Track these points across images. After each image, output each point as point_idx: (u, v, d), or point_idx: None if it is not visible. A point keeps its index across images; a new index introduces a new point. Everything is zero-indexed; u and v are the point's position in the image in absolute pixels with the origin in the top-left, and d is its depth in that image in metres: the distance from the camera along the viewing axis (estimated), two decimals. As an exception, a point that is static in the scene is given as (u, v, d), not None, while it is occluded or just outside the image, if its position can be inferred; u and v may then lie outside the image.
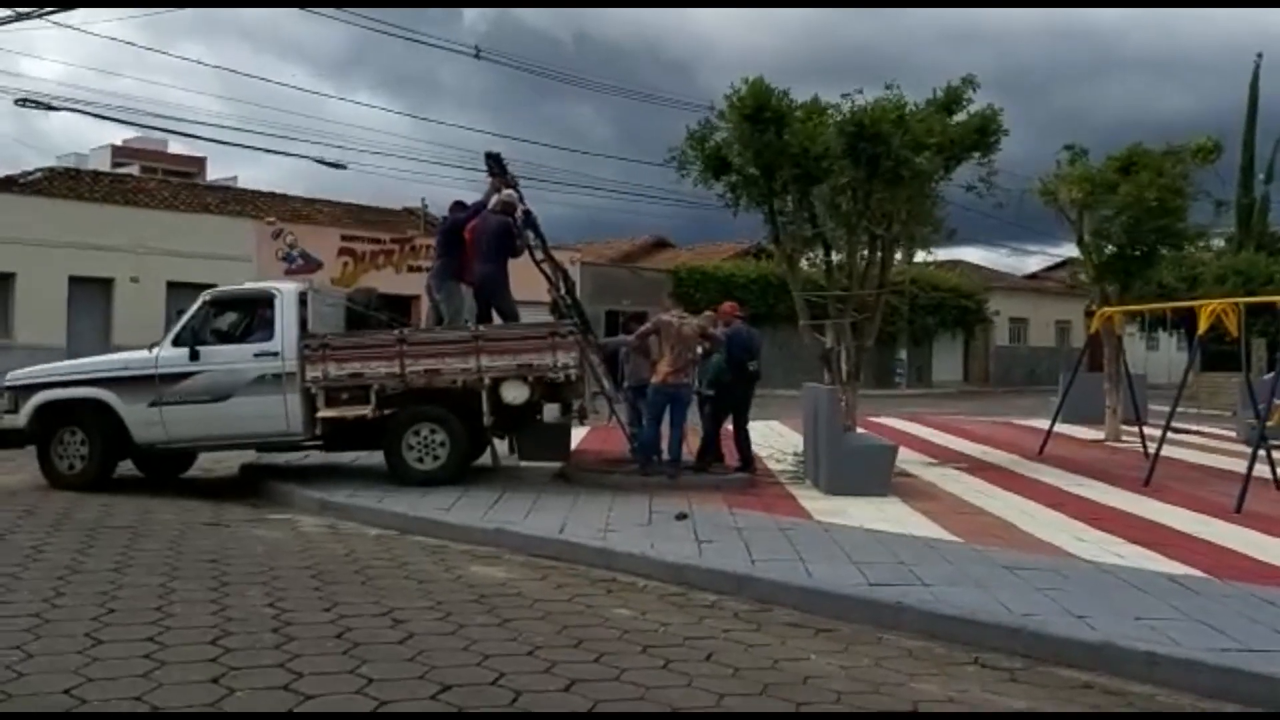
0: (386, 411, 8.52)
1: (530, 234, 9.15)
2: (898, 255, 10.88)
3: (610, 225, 59.43)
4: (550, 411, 8.82)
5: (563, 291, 9.09)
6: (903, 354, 32.90)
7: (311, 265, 20.91)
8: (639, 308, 24.25)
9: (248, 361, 8.38)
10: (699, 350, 8.80)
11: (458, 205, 9.26)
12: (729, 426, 9.28)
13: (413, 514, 7.10)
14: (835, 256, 10.43)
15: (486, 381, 8.23)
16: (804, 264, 10.82)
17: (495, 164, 9.27)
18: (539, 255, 9.15)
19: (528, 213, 9.21)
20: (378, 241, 22.48)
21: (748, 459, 9.07)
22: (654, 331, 8.68)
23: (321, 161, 22.61)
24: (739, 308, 9.47)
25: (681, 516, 6.95)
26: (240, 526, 7.13)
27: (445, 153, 58.17)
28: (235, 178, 29.24)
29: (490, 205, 9.14)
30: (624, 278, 27.06)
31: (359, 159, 38.49)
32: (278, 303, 8.44)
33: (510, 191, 9.22)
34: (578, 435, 11.04)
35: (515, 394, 8.26)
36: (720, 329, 9.11)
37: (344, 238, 22.09)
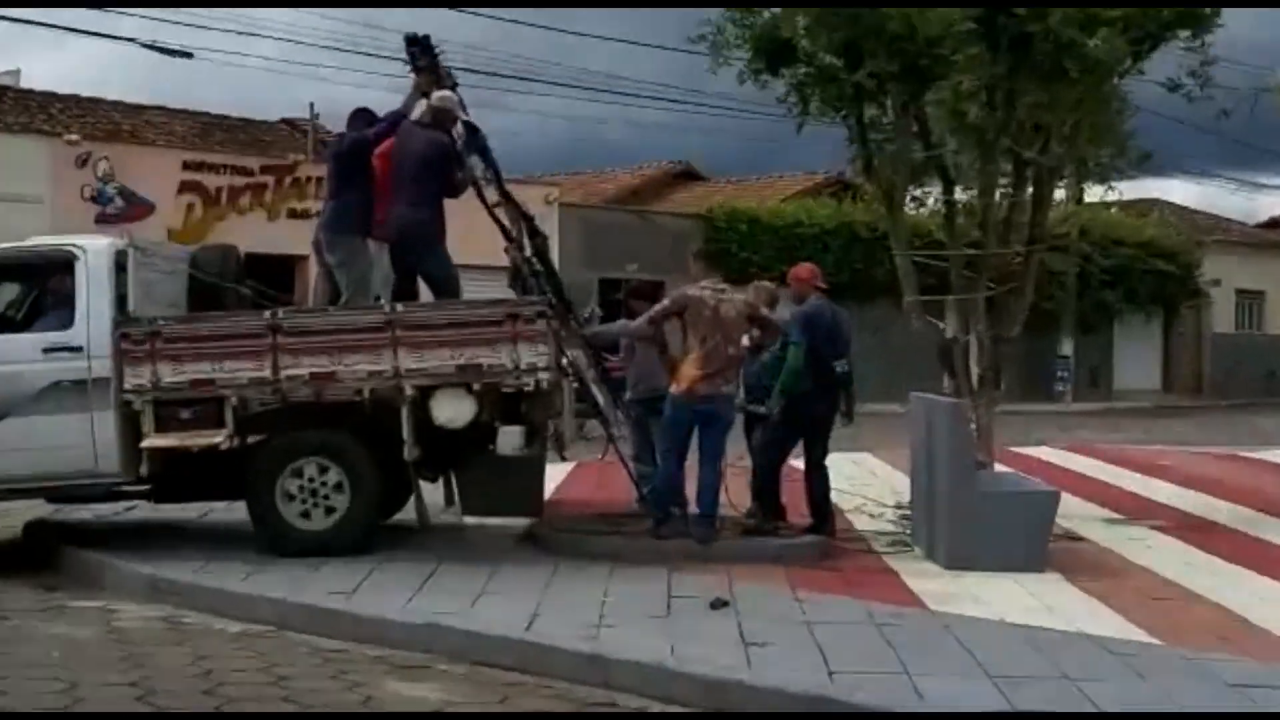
0: (251, 439, 8.56)
1: (477, 161, 9.23)
2: (1059, 193, 10.92)
3: (609, 149, 59.69)
4: (509, 439, 8.89)
5: (528, 251, 9.16)
6: (1067, 347, 32.99)
7: (137, 209, 21.01)
8: (652, 275, 24.33)
9: (32, 361, 8.41)
10: (746, 342, 8.84)
11: (361, 115, 9.32)
12: (794, 462, 9.34)
13: (295, 600, 7.21)
14: (961, 195, 10.48)
15: (409, 392, 8.33)
16: (910, 206, 10.83)
17: (421, 52, 9.34)
18: (491, 194, 9.23)
19: (473, 128, 9.27)
20: (241, 172, 22.57)
21: (824, 513, 9.14)
22: (675, 312, 8.72)
23: (155, 47, 21.83)
24: (818, 274, 9.47)
25: (720, 604, 7.03)
26: (25, 620, 7.15)
27: (348, 34, 58.54)
28: (17, 71, 29.10)
29: (415, 115, 9.20)
30: (628, 228, 27.22)
31: (213, 42, 38.43)
32: (80, 269, 8.50)
33: (446, 93, 9.27)
34: (555, 475, 11.09)
35: (453, 411, 8.34)
36: (785, 310, 9.14)
37: (189, 166, 22.13)
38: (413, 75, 9.35)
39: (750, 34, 9.94)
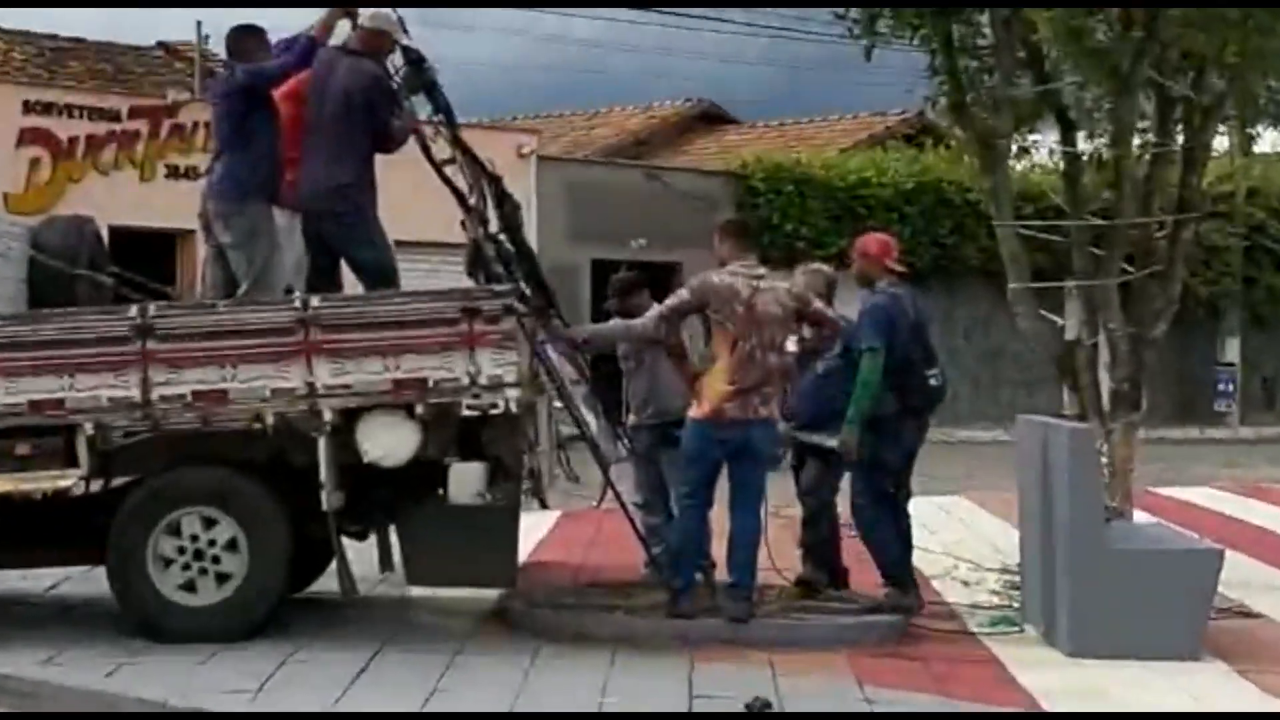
0: (115, 482, 8.58)
1: (421, 101, 9.30)
2: (1219, 141, 11.10)
3: (604, 82, 59.75)
4: (465, 482, 8.76)
5: (493, 225, 9.21)
6: (1232, 352, 32.87)
7: (-40, 168, 21.15)
8: (664, 254, 24.36)
9: None
10: (792, 347, 8.85)
11: (253, 37, 9.30)
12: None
13: (181, 703, 7.25)
14: (1085, 144, 10.51)
15: (328, 417, 8.38)
16: (1017, 159, 10.87)
17: None
18: (441, 148, 9.28)
19: (416, 57, 9.32)
20: (104, 115, 22.54)
21: (904, 579, 9.16)
22: (696, 307, 8.78)
23: None
24: (893, 249, 9.45)
25: (761, 706, 7.09)
26: None
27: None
28: None
29: (335, 40, 9.23)
30: (631, 190, 27.18)
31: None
32: (-123, 255, 8.61)
33: (383, 11, 9.31)
34: (533, 529, 11.14)
35: (389, 444, 8.42)
36: (858, 301, 9.12)
37: (32, 107, 22.12)
38: None
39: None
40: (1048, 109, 10.50)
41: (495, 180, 9.43)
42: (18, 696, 7.62)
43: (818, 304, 8.91)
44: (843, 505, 9.53)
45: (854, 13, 10.26)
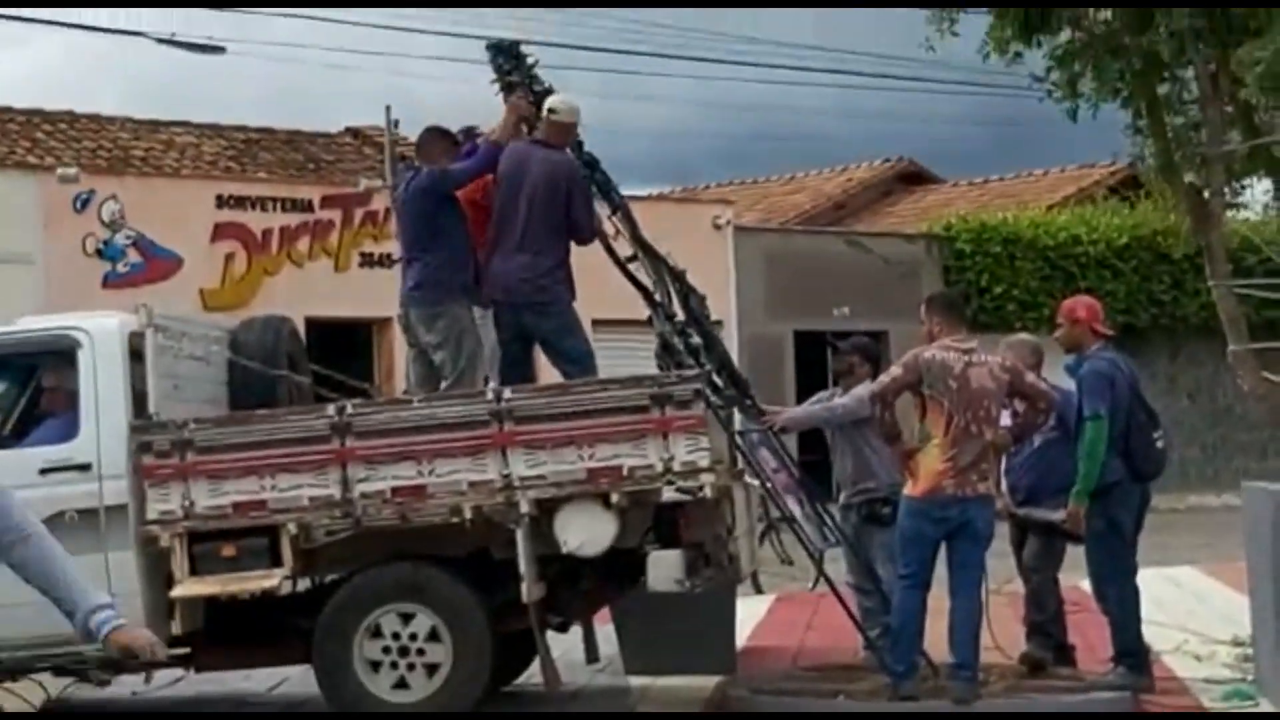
0: (319, 581, 8.77)
1: (597, 197, 9.48)
2: None
3: (799, 145, 59.61)
4: (664, 570, 8.78)
5: (679, 316, 9.33)
6: None
7: (157, 264, 21.44)
8: (869, 323, 24.14)
9: (25, 485, 8.60)
10: (1006, 421, 8.75)
11: (438, 137, 9.53)
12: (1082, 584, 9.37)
13: None
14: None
15: (525, 508, 8.50)
16: (1230, 212, 10.68)
17: (508, 59, 9.55)
18: (620, 243, 9.42)
19: (589, 159, 9.52)
20: (296, 206, 22.77)
21: (1134, 647, 8.96)
22: (908, 384, 8.64)
23: (176, 43, 22.37)
24: (1099, 313, 9.27)
25: None
26: None
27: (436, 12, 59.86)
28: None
29: (527, 130, 9.41)
30: (834, 257, 27.05)
31: (249, 29, 39.20)
32: (84, 359, 8.85)
33: (568, 99, 9.51)
34: (748, 614, 11.08)
35: (587, 533, 8.47)
36: (1062, 369, 9.03)
37: (225, 201, 22.34)
38: (502, 96, 9.54)
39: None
40: (1261, 164, 10.36)
41: (679, 275, 9.54)
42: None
43: (1030, 377, 8.78)
44: (1064, 580, 9.44)
45: (1054, 75, 10.18)
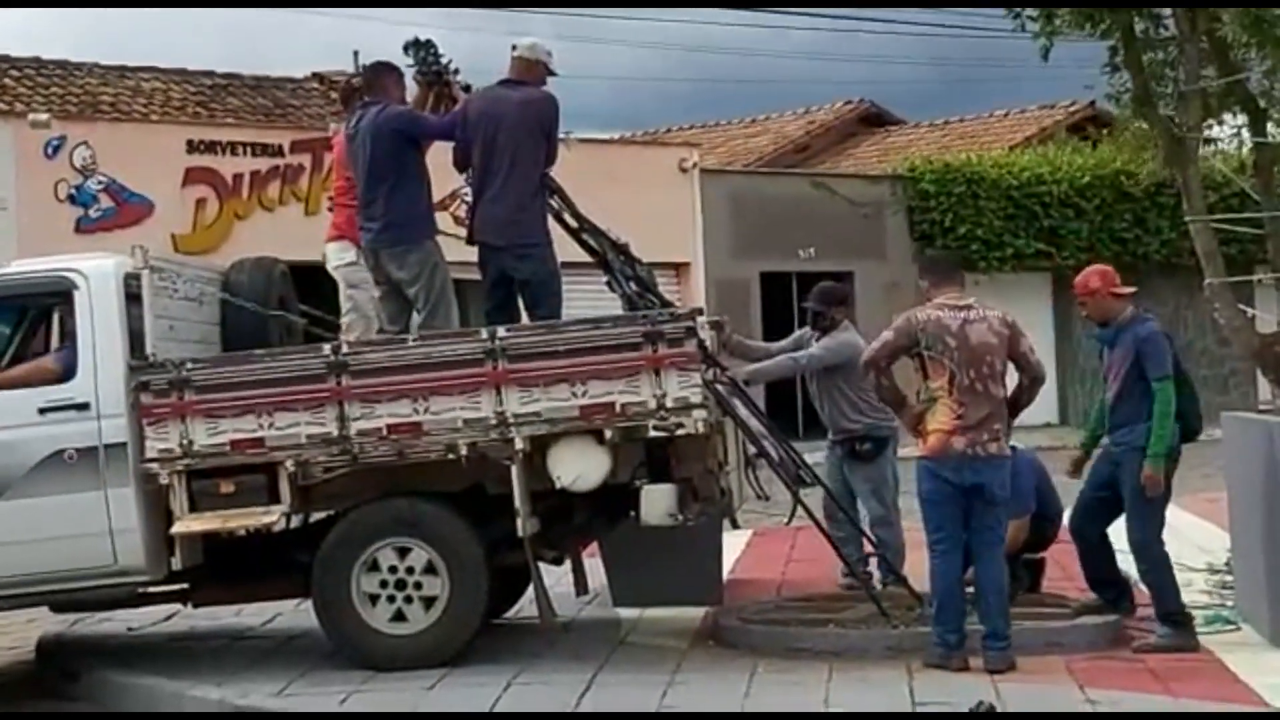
0: (316, 517, 8.91)
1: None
2: None
3: (759, 88, 59.27)
4: (657, 504, 8.91)
5: (619, 265, 9.54)
6: None
7: (129, 209, 21.46)
8: (835, 263, 24.24)
9: (24, 424, 8.86)
10: (1002, 376, 8.50)
11: (387, 73, 9.64)
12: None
13: None
14: (1277, 131, 10.60)
15: (520, 445, 8.67)
16: (1205, 148, 10.94)
17: (424, 56, 9.68)
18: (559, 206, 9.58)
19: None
20: (267, 150, 22.77)
21: (1177, 606, 8.83)
22: (904, 346, 8.53)
23: None
24: (1113, 277, 9.00)
25: (986, 711, 7.30)
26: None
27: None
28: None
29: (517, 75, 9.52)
30: (798, 199, 27.17)
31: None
32: (80, 300, 8.96)
33: (539, 42, 9.73)
34: (729, 548, 11.19)
35: (581, 468, 8.65)
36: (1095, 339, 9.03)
37: (195, 146, 22.33)
38: (420, 82, 9.72)
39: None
40: (1236, 99, 10.43)
41: (622, 248, 9.71)
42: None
43: (1026, 343, 8.61)
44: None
45: (1030, 9, 10.26)
